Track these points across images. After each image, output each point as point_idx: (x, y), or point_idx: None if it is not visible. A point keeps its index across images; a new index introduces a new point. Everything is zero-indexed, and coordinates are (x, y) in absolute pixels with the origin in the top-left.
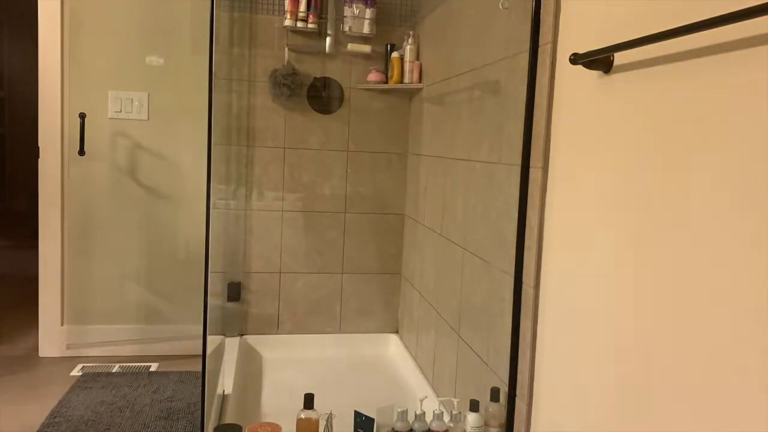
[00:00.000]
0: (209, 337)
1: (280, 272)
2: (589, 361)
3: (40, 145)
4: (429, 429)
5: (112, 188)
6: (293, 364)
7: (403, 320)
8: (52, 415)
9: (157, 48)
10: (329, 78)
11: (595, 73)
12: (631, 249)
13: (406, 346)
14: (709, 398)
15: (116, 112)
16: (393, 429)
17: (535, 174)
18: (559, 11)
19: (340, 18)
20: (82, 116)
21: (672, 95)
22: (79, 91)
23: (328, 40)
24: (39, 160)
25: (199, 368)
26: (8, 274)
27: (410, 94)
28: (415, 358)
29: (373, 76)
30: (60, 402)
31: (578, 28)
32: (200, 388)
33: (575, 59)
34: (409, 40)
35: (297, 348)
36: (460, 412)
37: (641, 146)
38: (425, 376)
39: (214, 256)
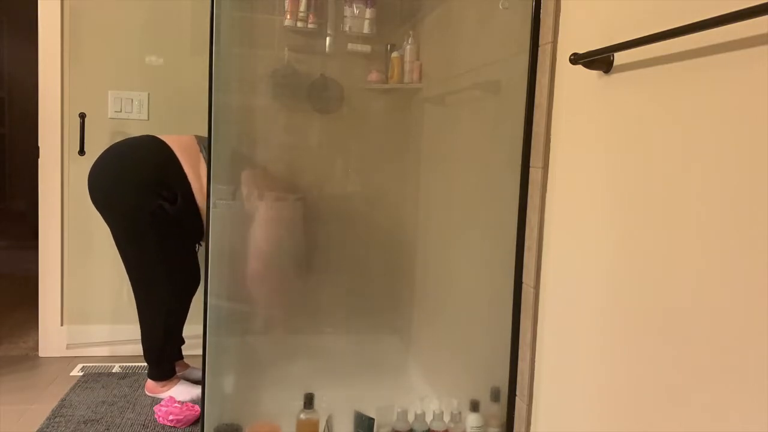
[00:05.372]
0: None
1: (281, 272)
2: (589, 360)
3: (40, 145)
4: (429, 429)
5: None
6: (294, 364)
7: (404, 320)
8: (53, 415)
9: (157, 48)
10: (329, 78)
11: (594, 73)
12: (632, 249)
13: (406, 346)
14: (708, 398)
15: (116, 112)
16: (393, 429)
17: (535, 174)
18: (559, 11)
19: (340, 18)
20: (82, 116)
21: (672, 95)
22: (79, 91)
23: (328, 40)
24: (39, 160)
25: (199, 368)
26: (8, 274)
27: (410, 94)
28: (415, 358)
29: (374, 76)
30: (60, 402)
31: (578, 28)
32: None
33: (575, 59)
34: (409, 40)
35: (297, 348)
36: (460, 412)
37: (641, 146)
38: (425, 376)
39: (215, 255)
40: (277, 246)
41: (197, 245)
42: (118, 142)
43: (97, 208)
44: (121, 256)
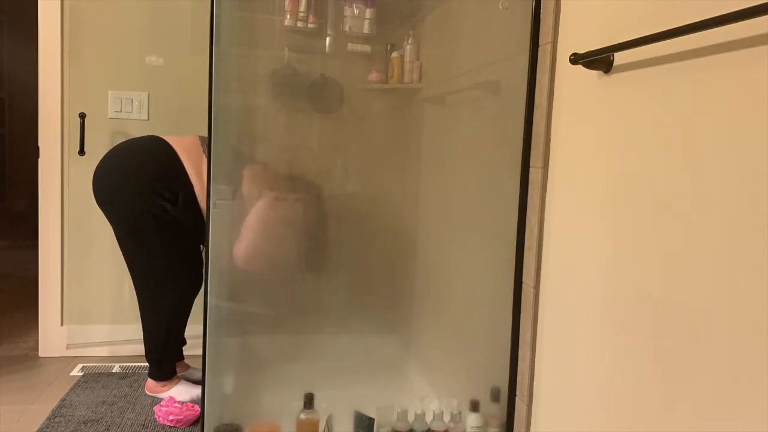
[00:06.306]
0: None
1: (281, 272)
2: (588, 361)
3: (40, 145)
4: (429, 429)
5: None
6: (294, 363)
7: (404, 320)
8: (53, 415)
9: (157, 48)
10: (329, 78)
11: (594, 73)
12: (631, 249)
13: (406, 346)
14: (708, 398)
15: (116, 112)
16: (393, 429)
17: (535, 174)
18: (559, 11)
19: (340, 18)
20: (82, 116)
21: (672, 95)
22: (79, 91)
23: (328, 40)
24: (39, 160)
25: (199, 368)
26: (8, 274)
27: (410, 94)
28: (415, 358)
29: (374, 76)
30: (60, 402)
31: (578, 28)
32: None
33: (575, 59)
34: (409, 40)
35: (297, 348)
36: (460, 412)
37: (641, 146)
38: (425, 376)
39: (215, 255)
40: (268, 236)
41: (201, 246)
42: (122, 143)
43: (101, 208)
44: (124, 256)
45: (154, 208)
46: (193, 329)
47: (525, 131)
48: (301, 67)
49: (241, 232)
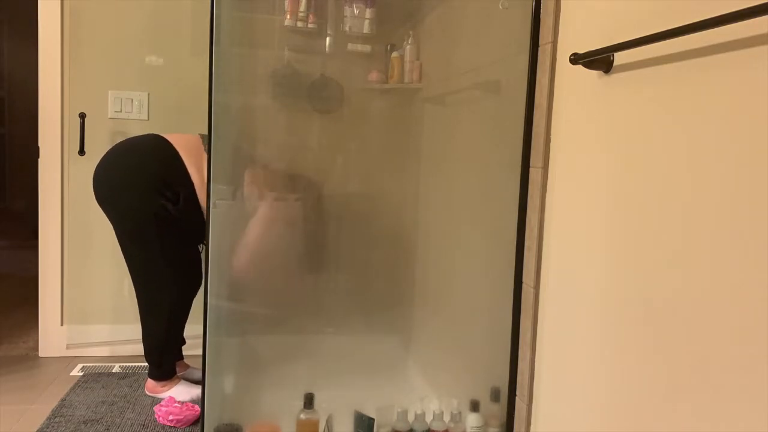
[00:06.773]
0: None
1: (280, 272)
2: (589, 360)
3: (40, 145)
4: (429, 429)
5: None
6: (294, 363)
7: (404, 320)
8: (53, 415)
9: (157, 48)
10: (329, 78)
11: (595, 73)
12: (631, 249)
13: (406, 346)
14: (708, 398)
15: (116, 112)
16: (393, 429)
17: (535, 174)
18: (559, 11)
19: (340, 18)
20: (82, 116)
21: (672, 95)
22: (79, 91)
23: (328, 40)
24: (39, 160)
25: (199, 368)
26: (8, 274)
27: (410, 93)
28: (415, 358)
29: (374, 76)
30: (60, 402)
31: (578, 28)
32: (200, 388)
33: (575, 59)
34: (409, 40)
35: (297, 348)
36: (460, 412)
37: (641, 146)
38: (425, 376)
39: (215, 255)
40: (268, 244)
41: (200, 246)
42: (122, 141)
43: (101, 206)
44: (124, 255)
45: (155, 206)
46: (193, 329)
47: (525, 131)
48: (301, 67)
49: (241, 242)
